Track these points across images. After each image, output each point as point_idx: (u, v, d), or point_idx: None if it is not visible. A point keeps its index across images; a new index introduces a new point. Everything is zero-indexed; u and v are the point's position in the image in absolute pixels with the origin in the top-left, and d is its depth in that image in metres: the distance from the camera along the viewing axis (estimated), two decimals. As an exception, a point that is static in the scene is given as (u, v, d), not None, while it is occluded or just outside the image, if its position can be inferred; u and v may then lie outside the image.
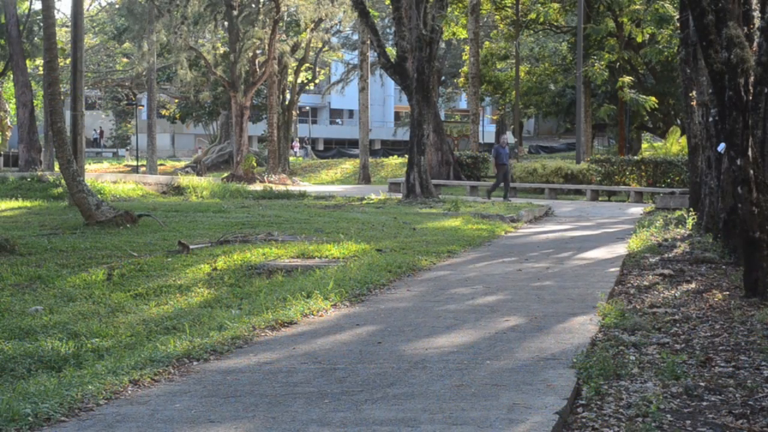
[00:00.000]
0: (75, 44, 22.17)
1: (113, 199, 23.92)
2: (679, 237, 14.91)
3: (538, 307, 8.62)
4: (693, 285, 9.86)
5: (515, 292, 9.64)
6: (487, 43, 45.75)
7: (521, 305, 8.73)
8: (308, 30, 42.38)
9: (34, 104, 42.79)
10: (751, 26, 10.49)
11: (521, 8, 40.85)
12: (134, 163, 49.27)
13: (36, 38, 40.96)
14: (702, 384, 5.71)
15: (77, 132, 21.71)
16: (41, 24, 24.00)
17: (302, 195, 27.30)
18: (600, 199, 29.99)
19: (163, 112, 62.77)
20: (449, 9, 33.29)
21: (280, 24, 40.52)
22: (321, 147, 76.36)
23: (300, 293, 8.98)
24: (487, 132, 72.08)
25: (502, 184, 27.39)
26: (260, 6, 39.99)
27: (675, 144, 33.51)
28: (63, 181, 20.59)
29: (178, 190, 28.97)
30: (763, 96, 9.30)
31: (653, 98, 38.78)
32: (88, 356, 7.02)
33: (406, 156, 28.98)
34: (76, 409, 5.22)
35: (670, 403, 5.33)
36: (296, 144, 66.56)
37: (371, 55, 40.72)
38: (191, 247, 13.07)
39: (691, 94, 16.80)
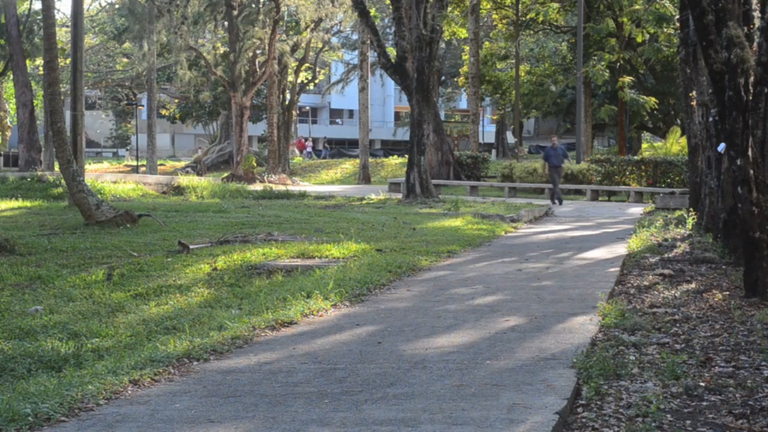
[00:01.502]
0: (75, 44, 22.17)
1: (113, 199, 23.93)
2: (679, 237, 14.91)
3: (538, 307, 8.62)
4: (693, 285, 9.86)
5: (515, 292, 9.64)
6: (487, 43, 45.75)
7: (521, 305, 8.72)
8: (308, 30, 42.38)
9: (34, 104, 42.80)
10: (751, 26, 10.49)
11: (521, 8, 40.85)
12: (134, 163, 49.28)
13: (36, 38, 40.98)
14: (702, 384, 5.71)
15: (77, 132, 21.71)
16: (41, 24, 24.00)
17: (302, 195, 27.31)
18: (600, 199, 29.99)
19: (163, 112, 62.76)
20: (449, 9, 33.29)
21: (280, 24, 40.52)
22: (320, 147, 76.36)
23: (300, 293, 8.97)
24: (487, 132, 72.06)
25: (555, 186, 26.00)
26: (260, 6, 39.99)
27: (675, 144, 33.51)
28: (63, 181, 20.60)
29: (178, 190, 28.99)
30: (763, 96, 9.30)
31: (653, 98, 38.78)
32: (88, 356, 7.01)
33: (406, 156, 28.98)
34: (76, 409, 5.21)
35: (670, 403, 5.32)
36: (309, 144, 66.40)
37: (371, 55, 40.72)
38: (191, 247, 13.07)
39: (691, 94, 16.79)
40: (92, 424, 4.98)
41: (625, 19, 37.87)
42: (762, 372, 6.04)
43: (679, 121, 41.02)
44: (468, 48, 42.74)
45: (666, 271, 10.79)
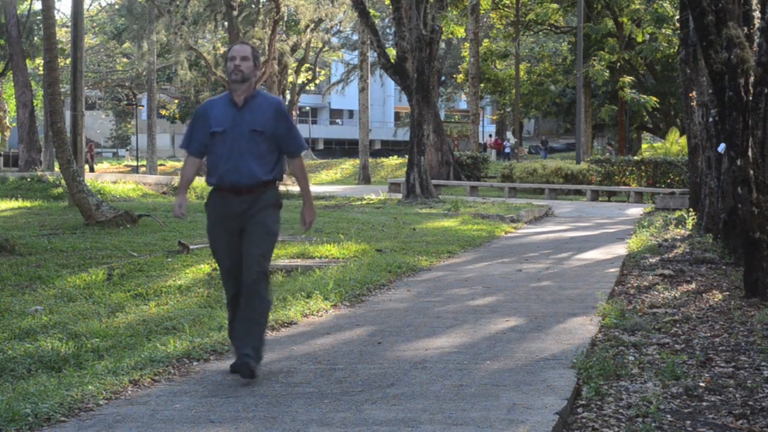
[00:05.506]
0: (75, 44, 22.16)
1: (113, 199, 23.91)
2: (679, 237, 14.91)
3: (537, 307, 8.62)
4: (693, 285, 9.86)
5: (515, 292, 9.63)
6: (486, 41, 45.72)
7: (521, 306, 8.72)
8: (308, 30, 42.38)
9: (34, 104, 42.78)
10: (751, 26, 10.49)
11: (521, 9, 40.85)
12: (134, 163, 49.29)
13: (36, 38, 40.98)
14: (702, 384, 5.71)
15: (77, 132, 21.70)
16: (41, 24, 23.99)
17: (302, 195, 27.25)
18: (600, 199, 29.99)
19: (163, 112, 62.79)
20: (449, 9, 33.28)
21: (280, 24, 40.51)
22: (321, 147, 76.39)
23: (300, 293, 8.97)
24: (488, 132, 72.09)
25: None
26: (260, 6, 40.01)
27: (675, 144, 33.51)
28: (63, 181, 20.58)
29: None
30: (763, 96, 9.30)
31: (654, 98, 38.80)
32: (88, 356, 7.00)
33: (406, 156, 28.98)
34: (76, 409, 5.21)
35: (670, 404, 5.32)
36: None
37: (371, 56, 40.72)
38: (191, 247, 13.07)
39: (691, 94, 16.80)
40: (92, 424, 4.98)
41: (624, 19, 37.89)
42: (762, 372, 6.04)
43: (679, 121, 41.01)
44: (468, 45, 42.73)
45: (666, 272, 10.79)
